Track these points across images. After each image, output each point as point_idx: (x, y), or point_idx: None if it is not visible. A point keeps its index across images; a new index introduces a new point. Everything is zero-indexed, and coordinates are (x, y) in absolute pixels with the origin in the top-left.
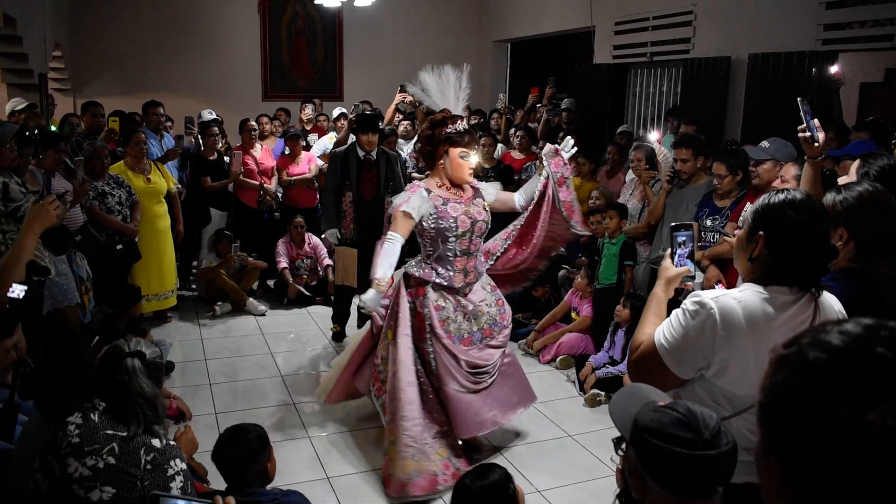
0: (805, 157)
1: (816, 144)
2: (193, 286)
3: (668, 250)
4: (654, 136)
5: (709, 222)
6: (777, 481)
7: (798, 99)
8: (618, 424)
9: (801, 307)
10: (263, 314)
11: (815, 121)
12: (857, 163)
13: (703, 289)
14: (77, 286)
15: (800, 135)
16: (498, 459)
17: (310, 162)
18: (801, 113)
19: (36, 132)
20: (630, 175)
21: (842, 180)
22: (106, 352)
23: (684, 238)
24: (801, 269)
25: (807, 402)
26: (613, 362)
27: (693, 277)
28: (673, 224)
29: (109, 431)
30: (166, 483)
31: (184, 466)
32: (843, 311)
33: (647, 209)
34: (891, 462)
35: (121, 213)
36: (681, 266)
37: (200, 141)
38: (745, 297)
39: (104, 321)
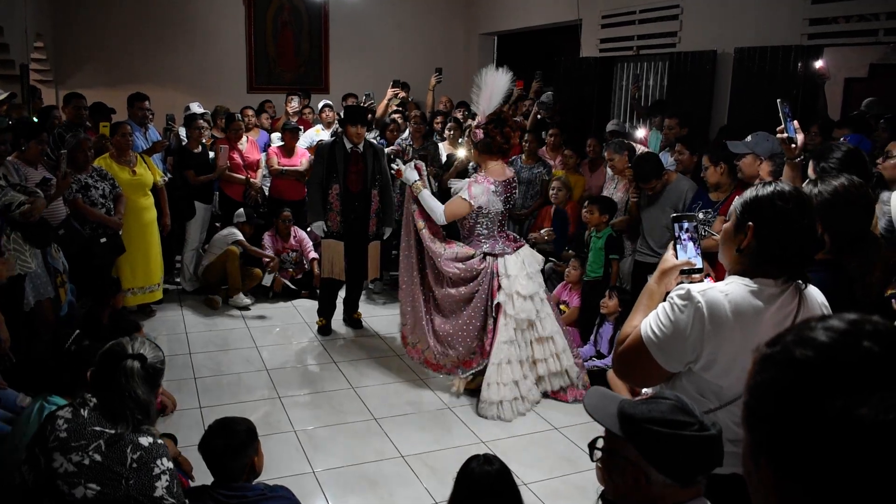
0: (784, 158)
1: (794, 146)
2: (178, 280)
3: (671, 242)
4: (640, 133)
5: (701, 215)
6: (767, 481)
7: (778, 100)
8: (604, 423)
9: (786, 299)
10: (248, 308)
11: (795, 122)
12: (811, 163)
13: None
14: (52, 278)
15: (778, 136)
16: (483, 452)
17: (302, 156)
18: (781, 114)
19: (10, 122)
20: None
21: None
22: (109, 349)
23: (686, 228)
24: (789, 260)
25: (796, 399)
26: (600, 355)
27: (700, 270)
28: (674, 215)
29: (97, 428)
30: (152, 482)
31: (170, 465)
32: (826, 303)
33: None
34: (884, 456)
35: (104, 205)
36: (688, 258)
37: (181, 136)
38: (731, 290)
39: (86, 314)
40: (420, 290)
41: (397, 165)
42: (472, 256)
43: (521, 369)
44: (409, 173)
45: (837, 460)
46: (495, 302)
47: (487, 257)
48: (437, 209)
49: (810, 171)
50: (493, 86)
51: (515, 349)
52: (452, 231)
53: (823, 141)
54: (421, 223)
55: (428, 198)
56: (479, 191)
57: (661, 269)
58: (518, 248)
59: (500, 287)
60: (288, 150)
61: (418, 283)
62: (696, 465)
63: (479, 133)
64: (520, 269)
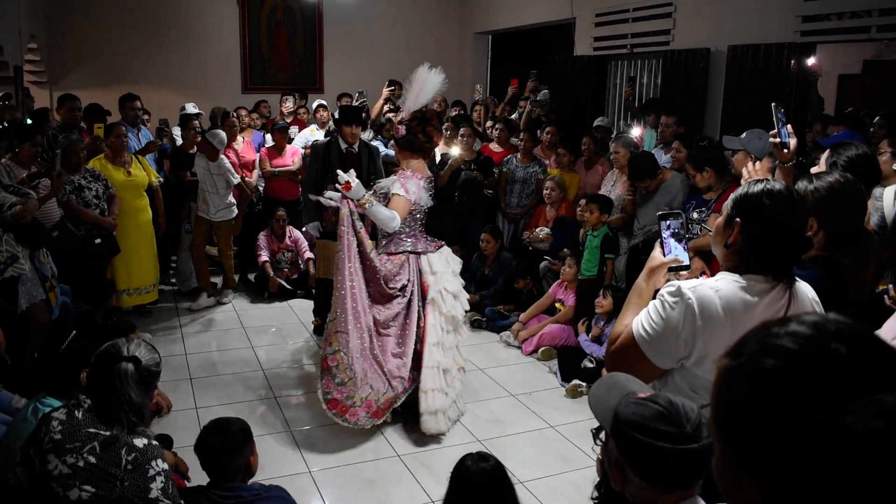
0: (776, 162)
1: (787, 150)
2: (173, 280)
3: (658, 239)
4: (636, 131)
5: (695, 214)
6: (749, 497)
7: (772, 105)
8: (598, 416)
9: (776, 295)
10: (224, 304)
11: (788, 127)
12: (826, 153)
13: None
14: (41, 283)
15: (771, 140)
16: (479, 450)
17: (294, 155)
18: (774, 119)
19: (6, 125)
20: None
21: (814, 170)
22: (104, 350)
23: (673, 226)
24: (775, 258)
25: (774, 413)
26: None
27: (688, 267)
28: (660, 213)
29: (92, 430)
30: (147, 484)
31: (165, 466)
32: (817, 299)
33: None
34: (873, 464)
35: (98, 206)
36: (675, 255)
37: (176, 140)
38: (721, 286)
39: (80, 317)
40: (378, 328)
41: (344, 179)
42: (403, 262)
43: (447, 378)
44: (359, 188)
45: (825, 472)
46: (428, 299)
47: (410, 256)
48: (391, 214)
49: (823, 159)
50: (423, 84)
51: (441, 353)
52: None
53: (825, 138)
54: (370, 243)
55: (379, 208)
56: (414, 186)
57: (650, 266)
58: (439, 247)
59: (427, 286)
60: (278, 149)
61: (373, 316)
62: (672, 475)
63: (401, 130)
64: (445, 266)
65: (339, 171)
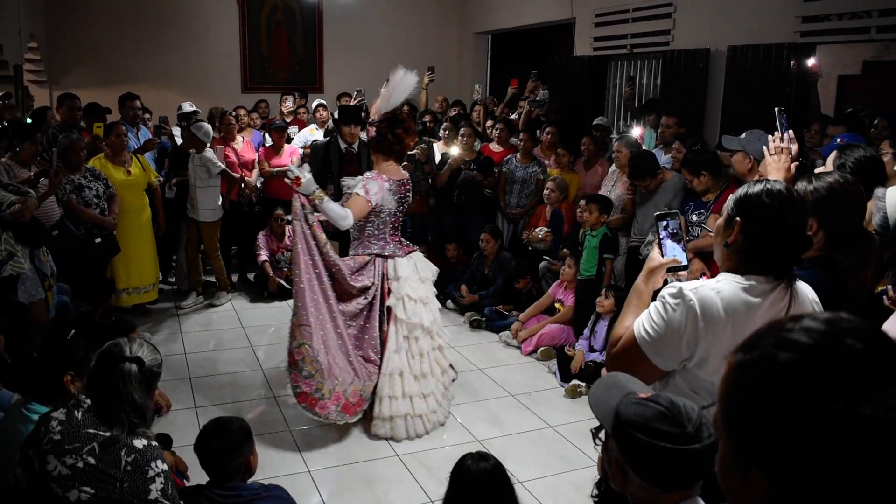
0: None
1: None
2: (172, 279)
3: (655, 240)
4: (636, 132)
5: (694, 217)
6: (758, 491)
7: (776, 109)
8: (598, 416)
9: (777, 296)
10: (217, 306)
11: (790, 132)
12: (833, 154)
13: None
14: (41, 282)
15: (772, 144)
16: (478, 450)
17: (292, 154)
18: (777, 123)
19: (6, 123)
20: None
21: (818, 171)
22: (106, 350)
23: (670, 226)
24: (775, 258)
25: (789, 405)
26: (592, 350)
27: (686, 268)
28: (658, 213)
29: (91, 430)
30: (146, 485)
31: (165, 468)
32: (817, 300)
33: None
34: (889, 453)
35: (98, 206)
36: (674, 256)
37: (176, 139)
38: (723, 287)
39: (80, 316)
40: (341, 321)
41: (294, 174)
42: (367, 262)
43: (417, 384)
44: (309, 183)
45: (841, 462)
46: (386, 305)
47: (377, 259)
48: (344, 212)
49: (830, 161)
50: (396, 86)
51: (406, 360)
52: (342, 234)
53: (823, 139)
54: (323, 236)
55: (331, 205)
56: (375, 188)
57: (648, 267)
58: (409, 252)
59: (389, 291)
60: (276, 148)
61: (335, 308)
62: (673, 475)
63: (372, 131)
64: (411, 272)
65: (291, 166)
